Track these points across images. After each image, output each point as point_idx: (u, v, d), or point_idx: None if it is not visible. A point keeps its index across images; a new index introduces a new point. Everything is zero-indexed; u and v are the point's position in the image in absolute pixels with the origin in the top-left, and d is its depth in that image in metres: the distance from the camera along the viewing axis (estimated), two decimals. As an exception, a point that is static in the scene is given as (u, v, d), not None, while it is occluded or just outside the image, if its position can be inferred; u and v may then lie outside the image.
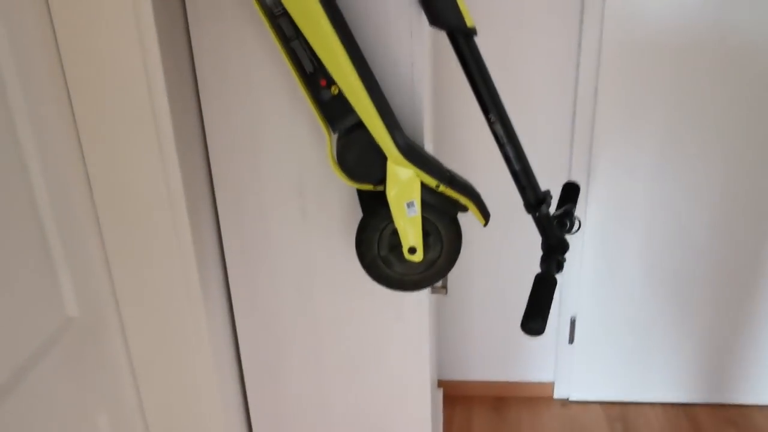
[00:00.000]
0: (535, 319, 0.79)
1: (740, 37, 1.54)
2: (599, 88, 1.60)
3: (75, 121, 0.76)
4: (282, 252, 0.96)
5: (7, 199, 0.65)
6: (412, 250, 0.84)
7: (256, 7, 0.75)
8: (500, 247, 1.74)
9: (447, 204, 0.84)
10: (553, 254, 0.88)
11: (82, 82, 0.74)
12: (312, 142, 0.89)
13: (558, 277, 0.93)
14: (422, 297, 0.99)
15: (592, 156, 1.66)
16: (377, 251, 0.86)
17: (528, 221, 1.63)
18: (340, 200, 0.92)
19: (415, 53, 0.84)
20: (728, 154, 1.66)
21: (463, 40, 0.78)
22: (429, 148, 0.90)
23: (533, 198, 0.85)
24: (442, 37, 1.40)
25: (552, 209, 0.90)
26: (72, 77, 0.74)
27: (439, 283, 1.11)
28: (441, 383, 2.01)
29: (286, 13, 0.72)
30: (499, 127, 0.81)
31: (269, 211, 0.94)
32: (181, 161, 0.81)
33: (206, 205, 0.92)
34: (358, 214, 0.92)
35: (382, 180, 0.81)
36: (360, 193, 0.87)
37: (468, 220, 1.55)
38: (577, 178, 1.67)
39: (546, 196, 0.86)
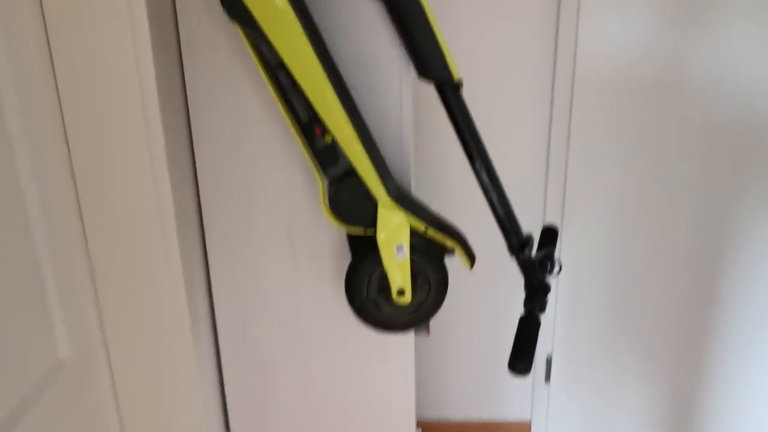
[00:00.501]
0: (522, 359, 0.82)
1: (709, 80, 1.62)
2: (572, 130, 1.66)
3: (72, 165, 0.78)
4: (271, 294, 0.98)
5: (4, 239, 0.66)
6: (401, 292, 0.86)
7: (254, 59, 0.78)
8: (479, 288, 1.77)
9: (435, 247, 0.87)
10: (536, 296, 0.91)
11: (80, 133, 0.76)
12: (303, 186, 0.92)
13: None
14: (407, 338, 1.00)
15: (566, 199, 1.72)
16: (366, 294, 0.88)
17: (506, 262, 1.67)
18: (330, 244, 0.95)
19: (404, 103, 0.88)
20: (694, 199, 1.73)
21: (450, 92, 0.82)
22: (413, 191, 0.93)
23: (516, 242, 0.89)
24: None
25: (533, 252, 0.94)
26: (72, 128, 0.76)
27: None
28: (419, 423, 2.01)
29: (283, 65, 0.75)
30: (484, 175, 0.85)
31: (259, 254, 0.96)
32: (175, 205, 0.82)
33: (196, 248, 0.93)
34: (348, 258, 0.94)
35: (372, 224, 0.83)
36: (350, 237, 0.89)
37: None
38: (551, 219, 1.72)
39: (529, 240, 0.90)
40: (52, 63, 0.74)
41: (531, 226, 0.94)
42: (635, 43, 1.60)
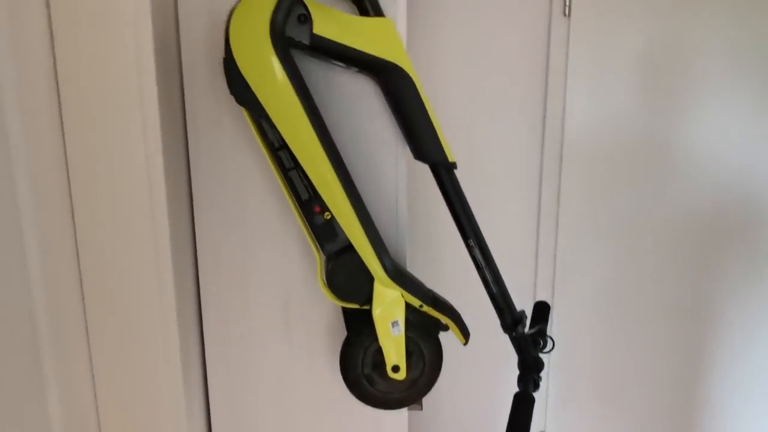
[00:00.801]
0: (516, 438, 0.82)
1: (690, 159, 1.68)
2: (561, 206, 1.70)
3: (76, 236, 0.79)
4: (265, 367, 0.97)
5: (5, 317, 0.67)
6: (396, 369, 0.87)
7: (257, 139, 0.81)
8: (473, 363, 1.76)
9: (429, 323, 0.88)
10: (530, 373, 0.92)
11: (86, 211, 0.78)
12: (299, 260, 0.93)
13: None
14: (401, 414, 1.00)
15: (556, 275, 1.74)
16: (361, 369, 0.88)
17: (500, 338, 1.68)
18: (325, 317, 0.95)
19: (399, 181, 0.91)
20: (680, 274, 1.76)
21: (444, 173, 0.86)
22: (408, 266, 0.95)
23: (510, 318, 0.90)
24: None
25: (526, 329, 0.95)
26: (79, 204, 0.78)
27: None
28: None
29: (285, 146, 0.79)
30: (477, 252, 0.87)
31: (254, 327, 0.96)
32: (175, 277, 0.83)
33: (192, 320, 0.93)
34: (342, 332, 0.95)
35: (368, 300, 0.85)
36: (345, 311, 0.90)
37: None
38: (541, 296, 1.74)
39: (522, 317, 0.91)
40: (65, 153, 0.76)
41: (522, 302, 0.96)
42: (620, 122, 1.66)
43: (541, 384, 1.75)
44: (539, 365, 0.93)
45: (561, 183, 1.69)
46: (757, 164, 1.68)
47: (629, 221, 1.72)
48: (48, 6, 0.73)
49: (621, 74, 1.64)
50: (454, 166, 0.86)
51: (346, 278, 0.84)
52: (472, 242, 0.87)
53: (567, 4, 1.61)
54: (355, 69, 0.85)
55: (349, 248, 0.83)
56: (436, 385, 0.91)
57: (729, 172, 1.68)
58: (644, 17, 1.61)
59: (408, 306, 0.85)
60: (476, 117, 1.64)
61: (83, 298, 0.81)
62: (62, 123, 0.76)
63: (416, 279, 0.88)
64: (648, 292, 1.77)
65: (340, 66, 0.85)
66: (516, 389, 0.93)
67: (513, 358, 0.95)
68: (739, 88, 1.63)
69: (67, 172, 0.77)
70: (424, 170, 0.88)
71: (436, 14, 1.59)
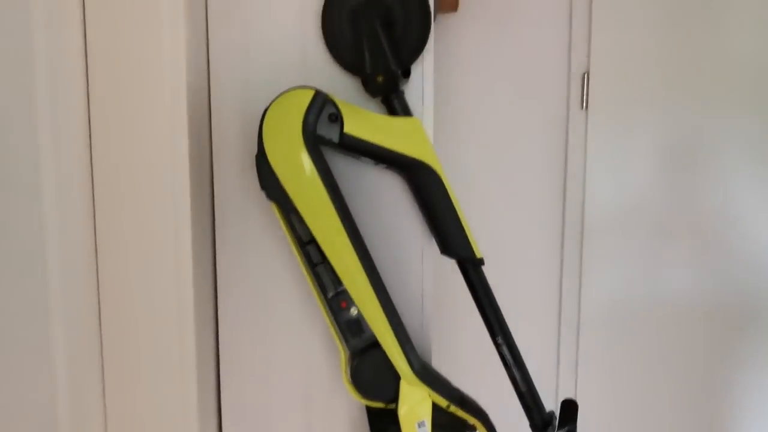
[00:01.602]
0: None
1: (711, 242, 1.67)
2: (582, 301, 1.69)
3: (100, 321, 0.79)
4: (284, 468, 0.94)
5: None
6: (422, 472, 0.83)
7: (286, 234, 0.82)
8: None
9: (457, 424, 0.85)
10: (561, 479, 0.87)
11: (113, 293, 0.78)
12: (322, 355, 0.92)
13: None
14: None
15: (579, 373, 1.70)
16: (386, 473, 0.85)
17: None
18: (348, 415, 0.93)
19: (425, 278, 0.90)
20: (698, 365, 1.71)
21: (472, 269, 0.85)
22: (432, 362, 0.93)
23: (539, 420, 0.87)
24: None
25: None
26: (105, 283, 0.78)
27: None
28: None
29: (314, 241, 0.79)
30: (505, 350, 0.85)
31: (273, 423, 0.94)
32: (198, 371, 0.82)
33: (212, 414, 0.91)
34: (365, 431, 0.92)
35: (393, 399, 0.82)
36: (369, 410, 0.87)
37: None
38: (565, 393, 1.69)
39: (552, 418, 0.88)
40: (96, 237, 0.78)
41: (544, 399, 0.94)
42: (639, 209, 1.67)
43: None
44: (570, 470, 0.89)
45: (582, 272, 1.68)
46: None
47: (649, 305, 1.70)
48: (88, 97, 0.76)
49: (639, 164, 1.66)
50: (481, 262, 0.86)
51: (372, 376, 0.82)
52: (500, 340, 0.85)
53: (584, 98, 1.65)
54: (384, 165, 0.87)
55: (375, 345, 0.81)
56: (463, 490, 0.87)
57: (746, 260, 1.67)
58: (659, 109, 1.65)
59: (435, 406, 0.83)
60: (498, 208, 1.66)
61: (103, 386, 0.80)
62: (94, 212, 0.78)
63: (443, 377, 0.85)
64: (672, 378, 1.71)
65: (368, 162, 0.87)
66: (546, 496, 0.89)
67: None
68: (756, 179, 1.64)
69: (96, 253, 0.78)
70: (449, 265, 0.88)
71: (461, 112, 1.64)
